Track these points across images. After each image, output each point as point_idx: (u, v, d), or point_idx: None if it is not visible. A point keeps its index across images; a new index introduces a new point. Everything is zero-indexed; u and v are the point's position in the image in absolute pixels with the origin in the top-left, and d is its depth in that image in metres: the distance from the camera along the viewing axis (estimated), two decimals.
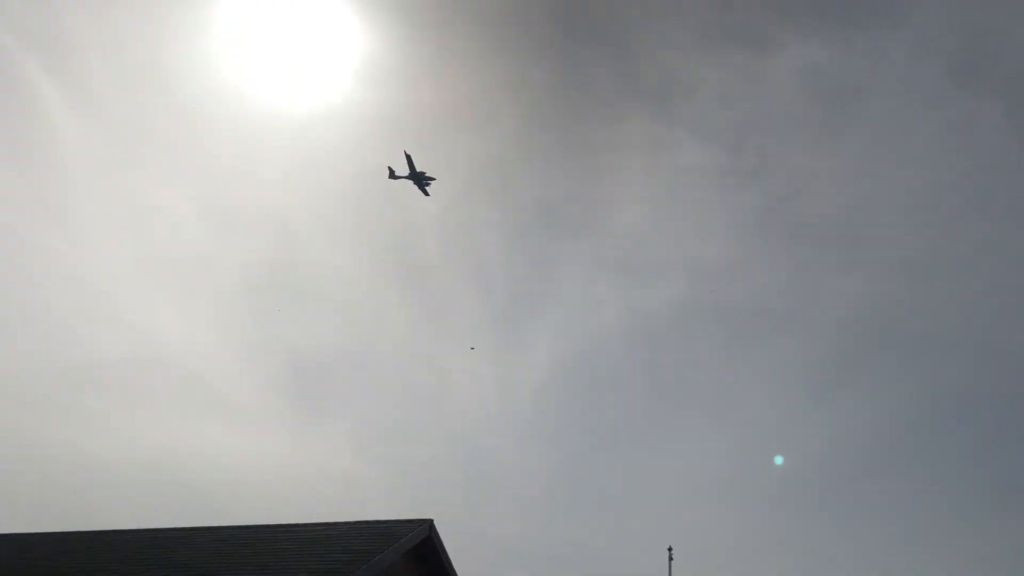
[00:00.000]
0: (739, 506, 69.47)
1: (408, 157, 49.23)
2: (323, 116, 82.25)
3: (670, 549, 26.43)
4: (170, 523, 22.16)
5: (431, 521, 17.51)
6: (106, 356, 65.68)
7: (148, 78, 74.66)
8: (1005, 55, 77.65)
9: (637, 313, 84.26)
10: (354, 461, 71.26)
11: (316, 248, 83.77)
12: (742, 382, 79.87)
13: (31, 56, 66.35)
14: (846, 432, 74.13)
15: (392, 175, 51.31)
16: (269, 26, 75.37)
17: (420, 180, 50.34)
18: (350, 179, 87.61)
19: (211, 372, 70.94)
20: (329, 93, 79.93)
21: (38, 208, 69.85)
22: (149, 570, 16.48)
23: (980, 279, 79.75)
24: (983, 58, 78.00)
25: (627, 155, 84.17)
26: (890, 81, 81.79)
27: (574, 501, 71.90)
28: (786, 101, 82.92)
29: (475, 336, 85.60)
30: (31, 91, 66.78)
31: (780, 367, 80.00)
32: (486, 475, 75.12)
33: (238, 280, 73.67)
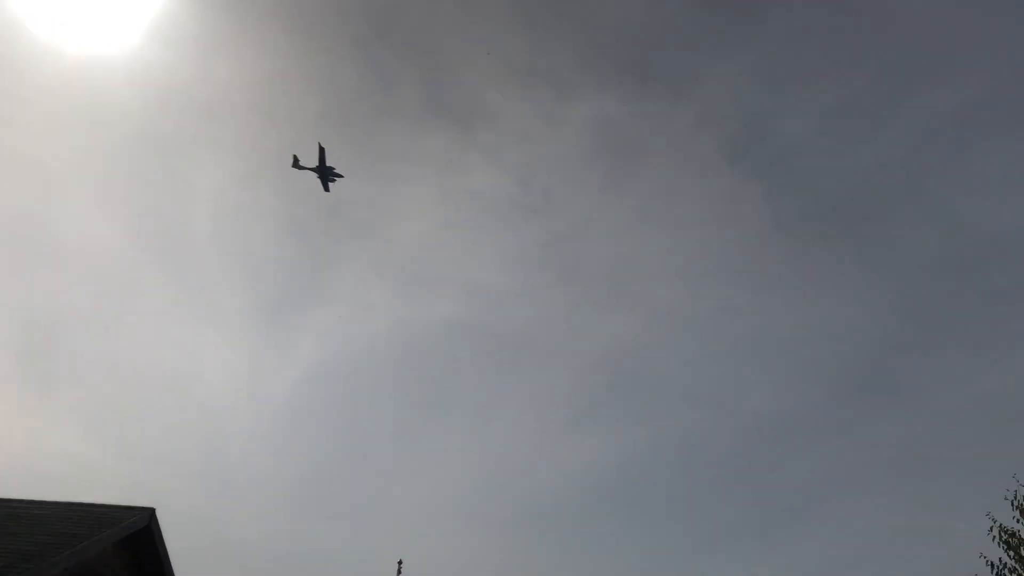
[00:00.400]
0: (476, 525, 71.47)
1: (321, 150, 46.96)
2: (103, 67, 76.18)
3: (400, 562, 26.71)
4: None
5: (152, 510, 16.67)
6: None
7: None
8: (772, 142, 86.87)
9: (407, 325, 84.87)
10: (81, 439, 65.93)
11: (73, 206, 77.04)
12: (500, 407, 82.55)
13: None
14: (585, 466, 78.61)
15: (296, 164, 48.41)
16: None
17: (326, 175, 48.00)
18: (126, 140, 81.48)
19: None
20: (113, 43, 74.32)
21: None
22: None
23: (719, 339, 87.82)
24: (753, 141, 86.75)
25: (422, 169, 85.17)
26: (671, 146, 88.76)
27: (316, 505, 70.70)
28: (577, 147, 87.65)
29: (237, 324, 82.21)
30: None
31: (538, 397, 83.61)
32: (227, 470, 72.03)
33: None
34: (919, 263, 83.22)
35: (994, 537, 17.26)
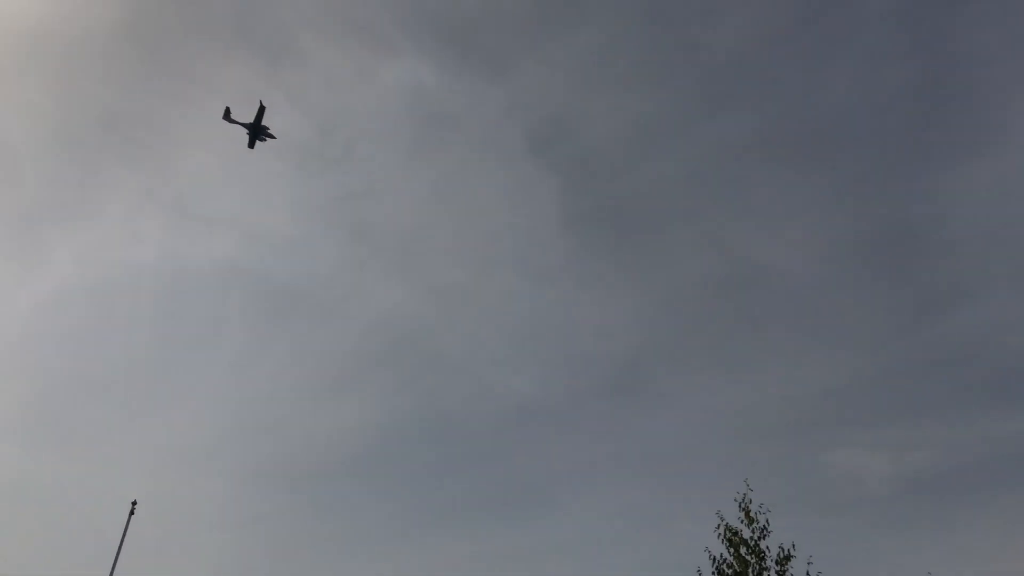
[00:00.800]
0: (221, 473, 69.82)
1: (261, 108, 45.95)
2: None
3: (134, 503, 26.21)
4: None
5: None
6: None
7: None
8: (576, 140, 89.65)
9: (177, 259, 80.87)
10: None
11: None
12: (265, 358, 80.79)
13: None
14: (343, 429, 78.51)
15: (227, 116, 47.20)
16: None
17: (257, 133, 46.85)
18: None
19: None
20: None
21: None
22: None
23: (495, 321, 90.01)
24: (559, 136, 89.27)
25: (213, 98, 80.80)
26: (480, 126, 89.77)
27: (51, 434, 66.09)
28: (387, 107, 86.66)
29: None
30: None
31: (307, 354, 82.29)
32: None
33: None
34: (687, 280, 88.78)
35: (720, 535, 19.42)
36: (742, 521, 19.69)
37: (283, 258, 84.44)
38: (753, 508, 19.76)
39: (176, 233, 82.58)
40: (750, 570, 18.95)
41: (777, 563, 18.98)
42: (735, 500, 19.96)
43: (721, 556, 19.36)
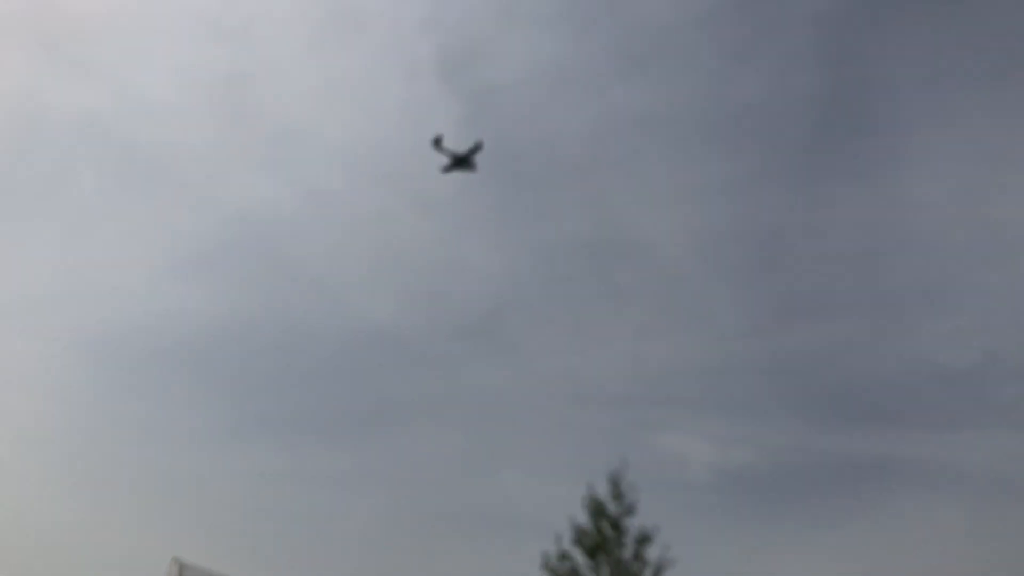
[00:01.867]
0: (39, 338, 65.04)
1: (479, 146, 45.20)
2: None
3: None
4: None
5: None
6: None
7: None
8: (490, 72, 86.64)
9: (28, 98, 73.02)
10: None
11: None
12: (110, 224, 74.37)
13: None
14: (181, 316, 73.07)
15: (438, 144, 45.58)
16: None
17: (460, 164, 46.18)
18: None
19: None
20: None
21: None
22: None
23: (363, 244, 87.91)
24: (472, 63, 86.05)
25: None
26: (389, 32, 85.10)
27: None
28: None
29: None
30: None
31: (160, 229, 76.11)
32: None
33: None
34: (563, 239, 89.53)
35: (586, 505, 19.41)
36: (610, 495, 19.71)
37: (153, 124, 78.11)
38: (624, 485, 19.77)
39: (35, 69, 74.71)
40: (609, 544, 19.01)
41: (636, 542, 19.11)
42: (606, 475, 19.95)
43: (582, 525, 19.33)
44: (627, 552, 19.00)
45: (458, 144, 45.27)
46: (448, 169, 45.40)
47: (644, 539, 19.11)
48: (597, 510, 19.39)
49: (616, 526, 19.24)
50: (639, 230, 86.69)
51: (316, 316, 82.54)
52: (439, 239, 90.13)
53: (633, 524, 19.35)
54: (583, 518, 19.47)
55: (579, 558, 18.97)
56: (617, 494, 19.63)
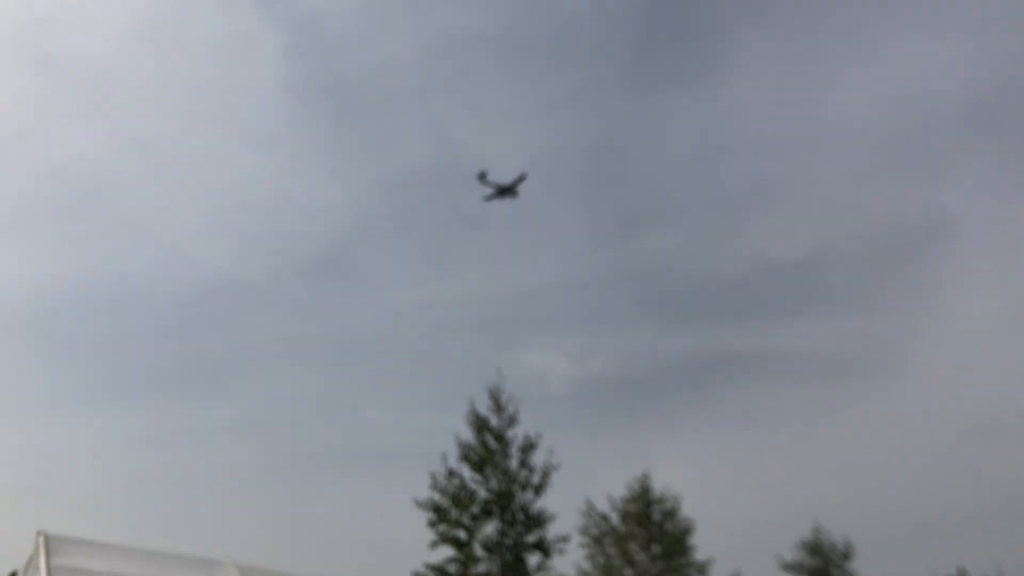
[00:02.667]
0: None
1: (522, 178, 45.40)
2: None
3: None
4: None
5: None
6: None
7: None
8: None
9: None
10: None
11: None
12: None
13: None
14: None
15: (483, 178, 45.54)
16: None
17: (503, 193, 46.00)
18: None
19: None
20: None
21: None
22: None
23: (192, 185, 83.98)
24: None
25: None
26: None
27: None
28: None
29: None
30: None
31: None
32: None
33: None
34: (406, 168, 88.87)
35: (469, 421, 19.53)
36: (490, 409, 19.90)
37: None
38: (503, 398, 20.00)
39: None
40: (496, 456, 19.27)
41: (521, 451, 19.46)
42: (487, 389, 20.11)
43: (467, 442, 19.47)
44: (513, 462, 19.33)
45: (503, 177, 46.54)
46: (490, 198, 46.67)
47: (529, 447, 19.49)
48: (480, 425, 19.55)
49: (500, 438, 19.50)
50: (482, 153, 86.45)
51: (154, 269, 77.89)
52: (275, 176, 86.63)
53: (517, 434, 19.66)
54: (467, 435, 19.59)
55: (467, 473, 19.14)
56: (498, 407, 19.84)
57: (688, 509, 25.66)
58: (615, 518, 25.09)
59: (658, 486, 25.49)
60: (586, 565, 24.66)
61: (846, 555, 28.49)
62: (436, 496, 18.74)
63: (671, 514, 24.90)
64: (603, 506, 25.31)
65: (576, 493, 25.58)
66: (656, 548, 24.31)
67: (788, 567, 28.59)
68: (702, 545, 24.61)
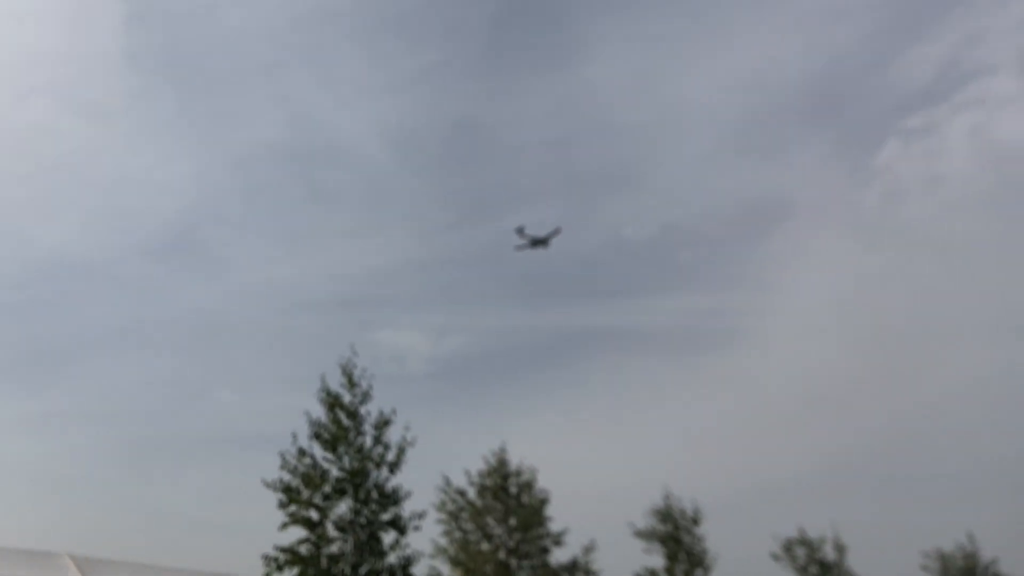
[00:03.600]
0: None
1: (556, 231, 50.11)
2: None
3: None
4: None
5: None
6: None
7: None
8: None
9: None
10: None
11: None
12: None
13: None
14: None
15: (521, 233, 50.45)
16: None
17: (537, 243, 50.66)
18: None
19: None
20: None
21: None
22: None
23: (31, 161, 78.85)
24: None
25: None
26: None
27: None
28: None
29: None
30: None
31: None
32: None
33: None
34: (258, 144, 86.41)
35: (321, 398, 19.03)
36: (343, 386, 19.46)
37: None
38: (356, 374, 19.60)
39: None
40: (349, 433, 18.88)
41: (375, 428, 19.15)
42: (339, 365, 19.63)
43: (319, 420, 18.97)
44: (367, 439, 19.01)
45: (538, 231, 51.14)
46: (522, 248, 51.08)
47: (384, 423, 19.22)
48: (333, 402, 19.10)
49: (353, 415, 19.13)
50: (336, 130, 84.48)
51: None
52: (116, 151, 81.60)
53: (371, 410, 19.33)
54: (320, 414, 19.09)
55: (318, 452, 18.67)
56: (351, 383, 19.43)
57: (544, 481, 26.16)
58: (472, 493, 25.20)
59: (515, 459, 25.78)
60: (443, 541, 24.69)
61: (695, 520, 29.79)
62: (286, 476, 18.19)
63: (527, 486, 25.27)
64: (460, 481, 25.37)
65: (436, 470, 25.63)
66: (513, 520, 24.59)
67: (640, 534, 29.64)
68: (558, 516, 25.12)
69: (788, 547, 33.61)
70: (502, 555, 24.27)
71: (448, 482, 25.24)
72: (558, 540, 24.90)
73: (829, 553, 33.26)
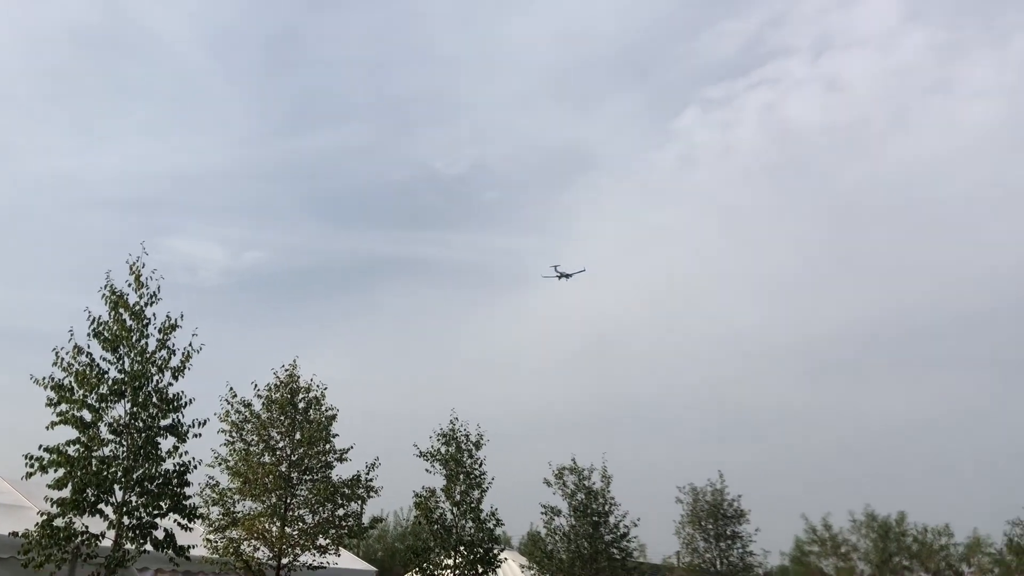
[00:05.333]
0: None
1: (582, 270, 63.31)
2: None
3: None
4: None
5: None
6: None
7: None
8: None
9: None
10: None
11: None
12: None
13: None
14: None
15: (555, 269, 63.18)
16: None
17: (563, 275, 63.35)
18: None
19: None
20: None
21: None
22: None
23: None
24: None
25: None
26: None
27: None
28: None
29: None
30: None
31: None
32: None
33: None
34: (61, 24, 79.05)
35: (104, 297, 18.23)
36: (130, 285, 18.70)
37: None
38: (145, 274, 18.85)
39: None
40: (132, 335, 18.23)
41: (161, 331, 18.61)
42: (127, 263, 18.77)
43: (100, 318, 18.16)
44: (152, 341, 18.48)
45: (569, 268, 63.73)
46: (549, 277, 62.77)
47: (171, 327, 18.73)
48: (116, 301, 18.33)
49: (138, 316, 18.47)
50: (148, 19, 77.97)
51: None
52: None
53: (157, 313, 18.74)
54: (102, 312, 18.27)
55: (97, 351, 17.95)
56: (138, 283, 18.70)
57: (335, 399, 26.47)
58: (258, 405, 25.09)
59: (306, 376, 25.86)
60: (224, 451, 24.51)
61: (477, 445, 31.24)
62: (59, 373, 17.39)
63: (316, 402, 25.49)
64: (247, 393, 25.16)
65: (224, 381, 25.20)
66: (298, 435, 24.79)
67: (423, 455, 30.75)
68: (345, 434, 25.55)
69: (559, 474, 36.09)
70: (284, 468, 24.48)
71: (234, 392, 24.96)
72: (342, 457, 25.40)
73: (597, 482, 36.05)
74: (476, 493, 30.58)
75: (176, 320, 18.79)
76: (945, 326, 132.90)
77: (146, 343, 18.40)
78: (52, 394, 17.24)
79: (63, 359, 17.61)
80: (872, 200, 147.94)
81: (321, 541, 24.33)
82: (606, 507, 35.54)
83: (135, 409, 17.90)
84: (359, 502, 25.12)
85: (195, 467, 18.61)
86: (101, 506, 17.18)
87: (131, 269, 18.80)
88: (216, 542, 23.33)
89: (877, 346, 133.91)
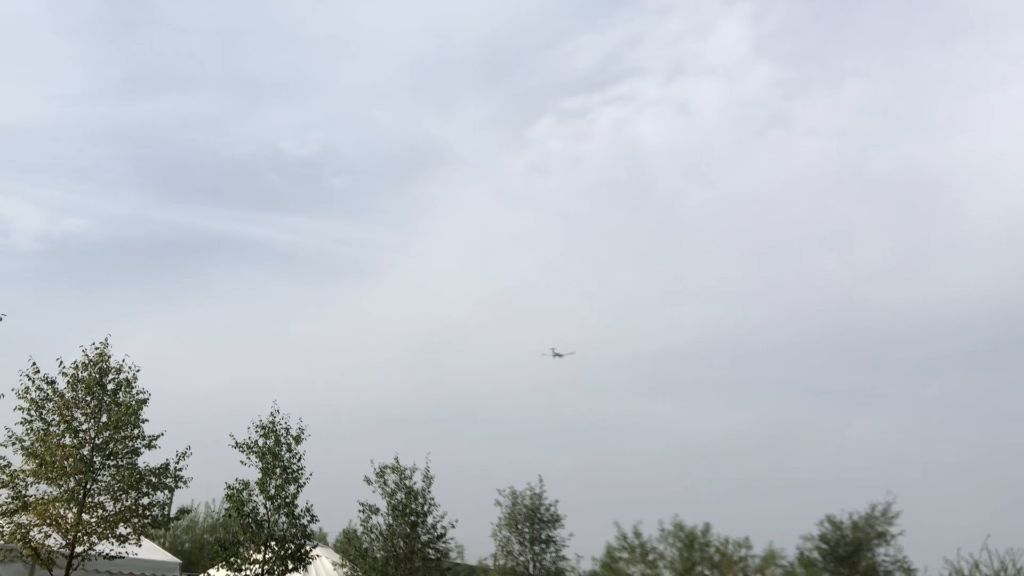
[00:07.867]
0: None
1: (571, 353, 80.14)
2: None
3: None
4: None
5: None
6: None
7: None
8: None
9: None
10: None
11: None
12: None
13: None
14: None
15: (554, 352, 78.75)
16: None
17: (560, 355, 79.78)
18: None
19: None
20: None
21: None
22: None
23: None
24: None
25: None
26: None
27: None
28: None
29: None
30: None
31: None
32: None
33: None
34: None
35: None
36: None
37: None
38: None
39: None
40: None
41: None
42: None
43: None
44: None
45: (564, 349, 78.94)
46: (545, 355, 78.03)
47: None
48: None
49: None
50: None
51: None
52: None
53: None
54: None
55: None
56: None
57: (150, 383, 25.56)
58: (63, 383, 23.93)
59: (119, 356, 24.90)
60: (19, 430, 23.23)
61: (297, 439, 30.98)
62: None
63: (127, 384, 24.60)
64: (52, 370, 23.95)
65: (28, 356, 23.80)
66: (104, 418, 23.85)
67: (239, 446, 30.18)
68: (156, 419, 24.79)
69: (381, 473, 36.27)
70: (86, 451, 23.50)
71: (36, 368, 23.70)
72: (151, 444, 24.64)
73: (419, 482, 36.48)
74: (292, 488, 30.34)
75: None
76: (769, 351, 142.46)
77: None
78: None
79: None
80: (710, 224, 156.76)
81: (122, 530, 23.49)
82: (425, 507, 36.02)
83: None
84: (166, 492, 24.42)
85: None
86: None
87: None
88: (2, 527, 22.08)
89: (702, 365, 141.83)
